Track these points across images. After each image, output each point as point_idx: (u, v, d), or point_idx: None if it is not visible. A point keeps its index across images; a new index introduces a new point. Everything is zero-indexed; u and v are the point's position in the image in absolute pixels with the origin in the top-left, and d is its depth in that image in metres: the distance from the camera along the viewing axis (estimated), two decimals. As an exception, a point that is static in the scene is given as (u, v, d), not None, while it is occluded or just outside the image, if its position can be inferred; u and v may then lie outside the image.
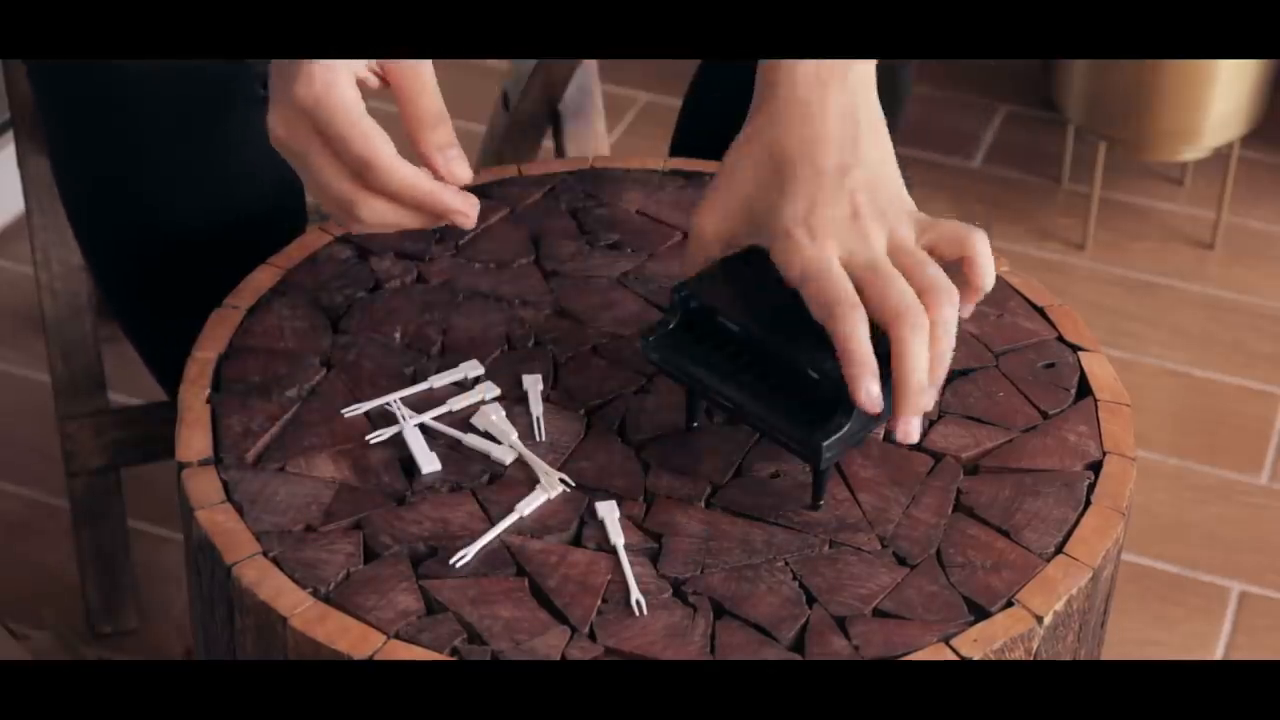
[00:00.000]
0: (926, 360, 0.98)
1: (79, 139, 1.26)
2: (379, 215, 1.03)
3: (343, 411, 1.07)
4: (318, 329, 1.14)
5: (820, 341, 1.03)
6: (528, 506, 1.02)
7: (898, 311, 0.98)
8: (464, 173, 1.04)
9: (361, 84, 1.02)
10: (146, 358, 1.39)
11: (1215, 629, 1.73)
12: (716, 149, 1.31)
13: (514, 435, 1.06)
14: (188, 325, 1.13)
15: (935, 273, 1.00)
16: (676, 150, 1.45)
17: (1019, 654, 0.96)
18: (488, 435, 1.06)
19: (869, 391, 0.97)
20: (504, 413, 1.07)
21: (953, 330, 0.99)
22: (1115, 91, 2.10)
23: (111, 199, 1.26)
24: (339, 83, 1.00)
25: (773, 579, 0.99)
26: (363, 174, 1.01)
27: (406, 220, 1.04)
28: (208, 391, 1.08)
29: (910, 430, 0.99)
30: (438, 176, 1.03)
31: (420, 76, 1.03)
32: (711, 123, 1.46)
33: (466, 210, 1.04)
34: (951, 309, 0.99)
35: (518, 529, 1.01)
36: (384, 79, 1.03)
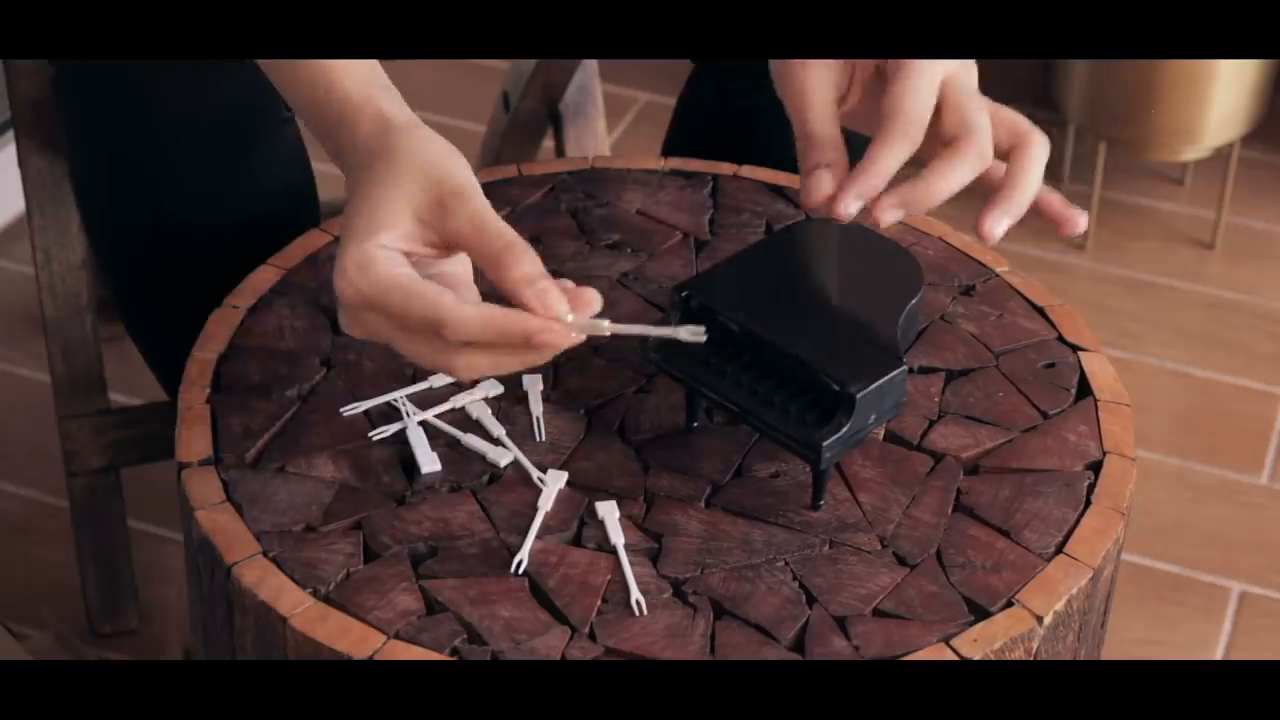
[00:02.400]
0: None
1: (101, 138, 1.26)
2: (478, 369, 0.95)
3: (342, 411, 1.07)
4: (318, 329, 1.14)
5: (820, 341, 1.03)
6: (547, 502, 1.02)
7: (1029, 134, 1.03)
8: (559, 305, 0.94)
9: (415, 255, 0.97)
10: (150, 359, 1.39)
11: (1215, 629, 1.73)
12: (709, 149, 1.31)
13: (502, 430, 1.06)
14: (197, 327, 1.13)
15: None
16: (668, 150, 1.45)
17: (1019, 654, 0.96)
18: (480, 426, 1.07)
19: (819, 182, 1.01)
20: (489, 410, 1.07)
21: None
22: (1115, 91, 2.10)
23: (131, 199, 1.27)
24: (373, 262, 0.95)
25: (773, 579, 0.99)
26: (440, 335, 0.94)
27: (506, 363, 0.95)
28: (208, 391, 1.08)
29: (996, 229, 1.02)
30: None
31: (478, 218, 0.96)
32: (704, 124, 1.46)
33: (551, 330, 0.93)
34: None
35: (518, 529, 1.01)
36: (440, 245, 0.97)
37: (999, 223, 1.02)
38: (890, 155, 1.00)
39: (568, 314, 0.94)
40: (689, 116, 1.50)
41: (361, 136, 0.99)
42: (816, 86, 1.05)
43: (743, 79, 1.38)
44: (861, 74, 1.08)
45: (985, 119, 1.03)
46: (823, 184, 1.02)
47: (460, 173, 0.97)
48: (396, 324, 0.95)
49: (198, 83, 1.20)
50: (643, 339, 1.05)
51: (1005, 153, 1.04)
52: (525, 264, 0.94)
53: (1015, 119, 1.05)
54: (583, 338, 0.94)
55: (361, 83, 1.01)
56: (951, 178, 1.01)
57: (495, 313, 0.94)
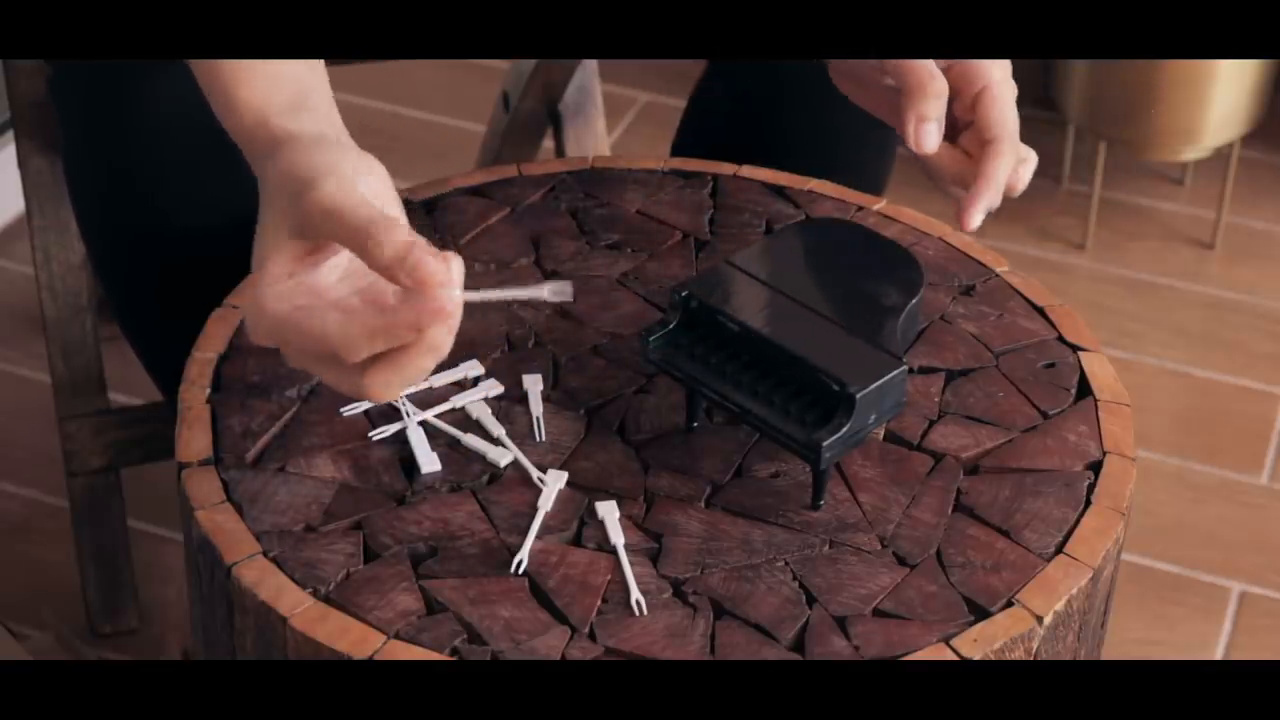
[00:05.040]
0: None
1: (95, 139, 1.26)
2: (391, 385, 0.92)
3: (342, 411, 1.07)
4: (318, 329, 1.13)
5: (820, 341, 1.03)
6: (547, 502, 1.02)
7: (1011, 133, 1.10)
8: (437, 274, 0.89)
9: (317, 262, 0.94)
10: (146, 359, 1.39)
11: (1215, 629, 1.73)
12: (719, 150, 1.31)
13: (502, 430, 1.06)
14: (192, 328, 1.13)
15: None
16: (678, 151, 1.45)
17: (1019, 654, 0.96)
18: (480, 426, 1.07)
19: (976, 217, 1.08)
20: (489, 410, 1.08)
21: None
22: (1115, 91, 2.10)
23: (125, 201, 1.27)
24: (261, 307, 0.93)
25: (773, 579, 0.99)
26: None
27: (410, 370, 0.91)
28: (208, 391, 1.08)
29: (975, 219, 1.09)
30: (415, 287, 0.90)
31: (329, 205, 0.91)
32: (716, 120, 1.46)
33: (435, 310, 0.89)
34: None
35: (518, 529, 1.01)
36: (324, 249, 0.94)
37: (977, 215, 1.09)
38: (1003, 169, 1.09)
39: (448, 274, 0.89)
40: (702, 110, 1.50)
41: (257, 165, 0.99)
42: None
43: (757, 73, 1.38)
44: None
45: (1012, 117, 1.11)
46: (932, 139, 1.10)
47: (311, 164, 0.93)
48: (307, 355, 0.94)
49: (190, 83, 1.20)
50: (644, 339, 1.05)
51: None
52: (387, 243, 0.89)
53: (999, 121, 1.10)
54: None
55: (258, 112, 1.00)
56: (1002, 174, 1.09)
57: (375, 321, 0.90)
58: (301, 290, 0.94)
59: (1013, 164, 1.09)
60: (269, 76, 1.01)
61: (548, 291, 0.96)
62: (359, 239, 0.90)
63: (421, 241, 0.90)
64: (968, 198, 1.08)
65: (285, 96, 1.01)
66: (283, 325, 0.93)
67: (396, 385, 0.93)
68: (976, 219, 1.08)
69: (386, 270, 0.90)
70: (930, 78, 1.08)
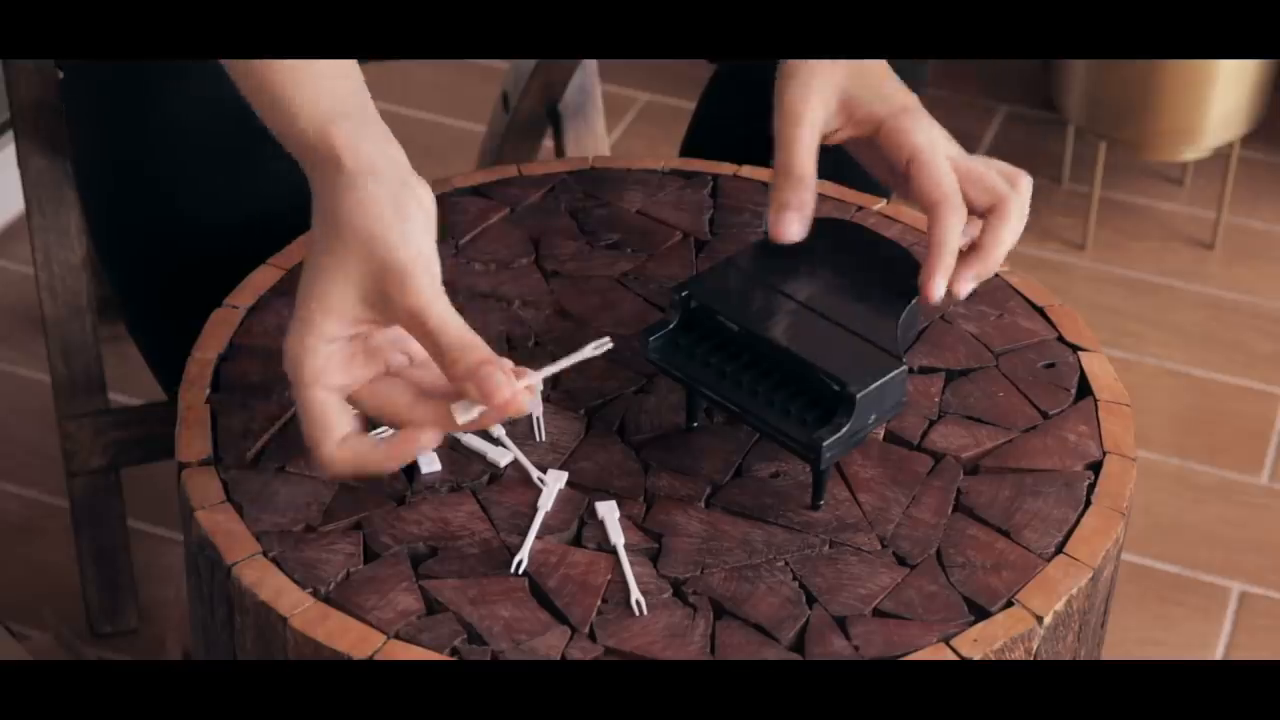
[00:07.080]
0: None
1: (109, 138, 1.26)
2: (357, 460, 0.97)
3: (343, 411, 1.07)
4: (318, 329, 1.13)
5: (820, 341, 1.03)
6: (547, 502, 1.02)
7: (1003, 197, 1.09)
8: (502, 391, 0.93)
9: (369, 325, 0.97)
10: (151, 358, 1.39)
11: (1215, 629, 1.73)
12: (728, 153, 1.31)
13: (502, 430, 1.06)
14: (199, 329, 1.13)
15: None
16: (687, 151, 1.44)
17: (1019, 654, 0.97)
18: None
19: (938, 286, 1.06)
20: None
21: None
22: (1115, 91, 2.10)
23: (142, 200, 1.27)
24: (302, 363, 0.96)
25: (773, 579, 0.99)
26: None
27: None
28: (207, 391, 1.08)
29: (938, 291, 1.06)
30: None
31: (417, 315, 0.94)
32: (725, 123, 1.46)
33: (427, 447, 0.96)
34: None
35: (518, 529, 1.01)
36: (384, 324, 0.97)
37: (968, 284, 1.08)
38: (953, 235, 1.07)
39: (519, 387, 0.93)
40: (711, 113, 1.50)
41: (317, 181, 0.99)
42: (808, 124, 1.10)
43: (767, 76, 1.38)
44: (851, 123, 1.12)
45: (947, 179, 1.09)
46: (791, 229, 1.09)
47: (403, 251, 0.95)
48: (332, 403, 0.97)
49: (207, 82, 1.20)
50: (644, 339, 1.05)
51: (982, 212, 1.09)
52: (461, 363, 0.93)
53: (995, 182, 1.09)
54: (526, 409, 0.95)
55: (321, 118, 0.99)
56: (950, 237, 1.07)
57: (363, 451, 0.96)
58: (332, 369, 0.97)
59: (960, 224, 1.07)
60: (319, 76, 1.00)
61: (590, 348, 0.99)
62: (438, 352, 0.94)
63: (499, 362, 0.94)
64: (924, 270, 1.06)
65: (341, 100, 1.00)
66: (300, 389, 0.96)
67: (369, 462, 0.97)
68: (937, 288, 1.06)
69: (455, 383, 0.94)
70: (952, 207, 1.08)
